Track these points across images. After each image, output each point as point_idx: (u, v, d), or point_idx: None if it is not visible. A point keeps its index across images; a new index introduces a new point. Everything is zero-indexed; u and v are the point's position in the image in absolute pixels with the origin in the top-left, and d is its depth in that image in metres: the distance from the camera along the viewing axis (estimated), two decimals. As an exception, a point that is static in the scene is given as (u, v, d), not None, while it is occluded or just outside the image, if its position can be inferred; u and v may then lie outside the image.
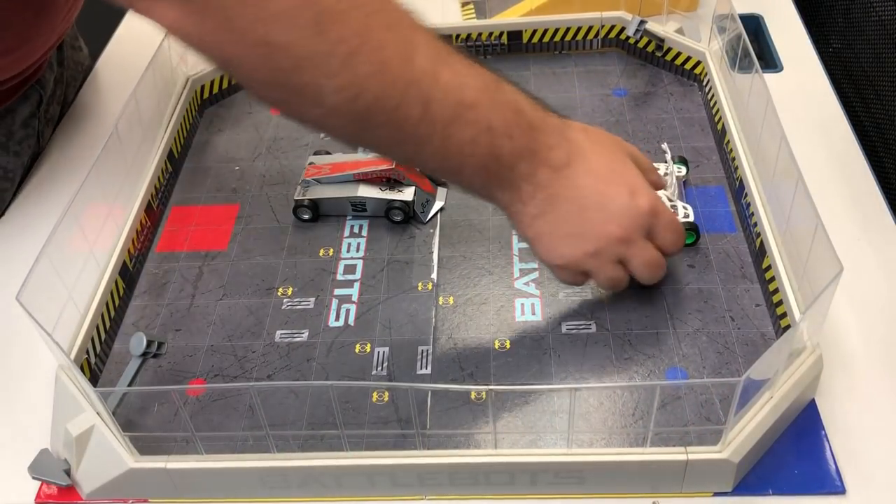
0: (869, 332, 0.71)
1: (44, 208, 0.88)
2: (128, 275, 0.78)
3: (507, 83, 0.64)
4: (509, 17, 1.03)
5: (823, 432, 0.64)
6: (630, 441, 0.64)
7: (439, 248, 0.80)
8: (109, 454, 0.61)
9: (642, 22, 0.94)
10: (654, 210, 0.66)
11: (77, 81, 1.04)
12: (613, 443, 0.64)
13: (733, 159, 0.82)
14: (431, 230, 0.81)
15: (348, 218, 0.83)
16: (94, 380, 0.70)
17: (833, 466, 0.62)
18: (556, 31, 1.00)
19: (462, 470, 0.60)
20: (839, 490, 0.61)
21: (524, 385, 0.68)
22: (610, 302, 0.73)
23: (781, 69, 0.98)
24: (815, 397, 0.66)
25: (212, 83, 0.98)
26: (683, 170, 0.82)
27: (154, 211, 0.84)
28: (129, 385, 0.66)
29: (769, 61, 1.00)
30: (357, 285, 0.77)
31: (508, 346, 0.71)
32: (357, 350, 0.71)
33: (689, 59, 0.95)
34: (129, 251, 0.78)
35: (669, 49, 0.96)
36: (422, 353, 0.71)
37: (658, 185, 0.72)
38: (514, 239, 0.80)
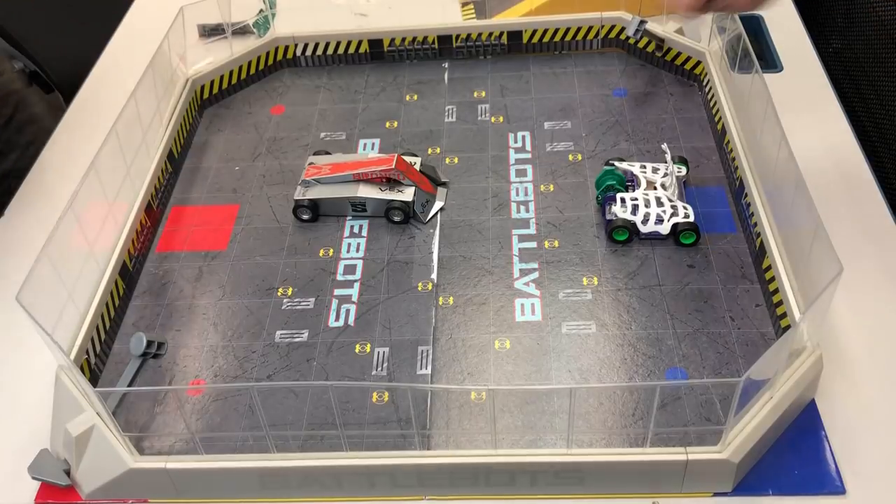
0: (869, 331, 0.71)
1: (44, 208, 0.88)
2: (128, 275, 0.78)
3: None
4: (509, 17, 1.03)
5: (823, 432, 0.64)
6: (630, 441, 0.64)
7: (439, 249, 0.80)
8: (109, 454, 0.61)
9: (642, 22, 0.94)
10: None
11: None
12: (613, 443, 0.64)
13: (733, 159, 0.82)
14: (431, 230, 0.81)
15: (348, 218, 0.83)
16: (94, 380, 0.70)
17: (833, 466, 0.62)
18: (556, 31, 1.00)
19: (462, 470, 0.60)
20: (839, 490, 0.61)
21: (524, 385, 0.68)
22: (610, 302, 0.73)
23: (781, 69, 0.98)
24: (814, 397, 0.66)
25: (212, 83, 0.98)
26: (683, 170, 0.82)
27: (154, 211, 0.84)
28: (129, 385, 0.66)
29: (769, 61, 1.00)
30: (357, 285, 0.77)
31: (508, 346, 0.71)
32: (357, 350, 0.71)
33: (689, 59, 0.95)
34: (129, 251, 0.78)
35: (669, 49, 0.96)
36: (422, 353, 0.71)
37: None
38: (514, 239, 0.80)
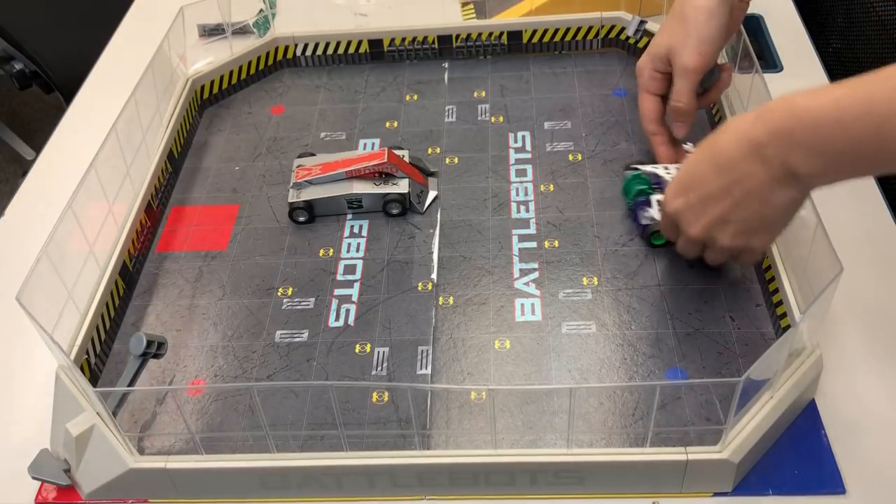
0: (869, 332, 0.71)
1: (44, 208, 0.88)
2: (128, 275, 0.78)
3: None
4: (509, 17, 1.03)
5: (823, 432, 0.64)
6: (630, 441, 0.64)
7: (439, 249, 0.80)
8: (109, 454, 0.61)
9: (642, 22, 0.94)
10: None
11: None
12: (613, 443, 0.64)
13: (733, 159, 0.82)
14: (431, 230, 0.81)
15: (348, 218, 0.83)
16: (93, 380, 0.70)
17: (833, 466, 0.62)
18: (556, 31, 1.00)
19: (462, 470, 0.60)
20: (839, 490, 0.61)
21: (524, 385, 0.68)
22: (610, 301, 0.73)
23: (781, 69, 0.98)
24: (814, 397, 0.66)
25: (211, 83, 0.98)
26: None
27: (154, 211, 0.84)
28: (129, 385, 0.66)
29: (769, 61, 1.00)
30: (357, 285, 0.77)
31: (508, 346, 0.71)
32: (357, 350, 0.71)
33: (689, 59, 0.95)
34: (129, 251, 0.78)
35: (669, 49, 0.96)
36: (421, 353, 0.71)
37: None
38: (514, 239, 0.80)
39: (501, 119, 0.94)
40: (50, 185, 0.92)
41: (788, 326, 0.67)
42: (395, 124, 0.94)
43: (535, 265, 0.77)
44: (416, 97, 0.98)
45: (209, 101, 0.99)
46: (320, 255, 0.80)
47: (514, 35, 1.01)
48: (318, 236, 0.82)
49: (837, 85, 0.57)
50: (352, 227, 0.83)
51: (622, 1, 0.99)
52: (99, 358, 0.71)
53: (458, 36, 1.01)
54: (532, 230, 0.81)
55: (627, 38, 0.98)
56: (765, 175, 0.60)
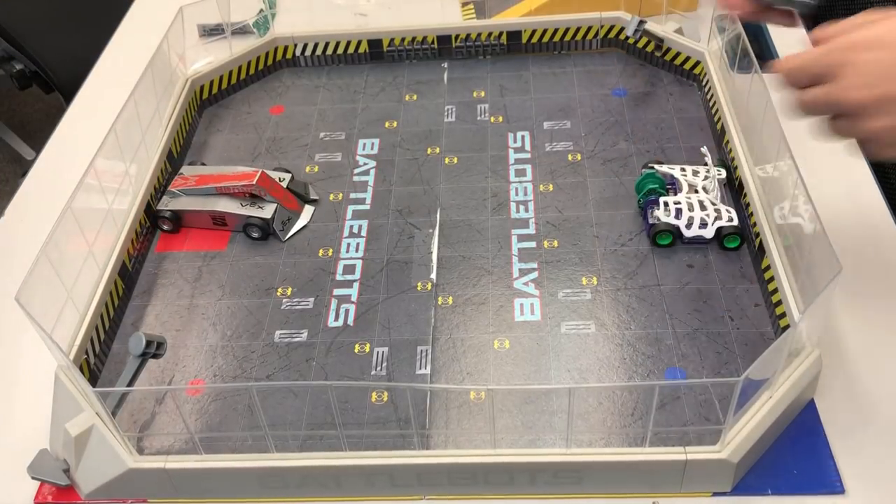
0: (869, 331, 0.71)
1: (44, 208, 0.88)
2: (127, 275, 0.78)
3: None
4: (509, 17, 1.03)
5: (823, 432, 0.64)
6: (629, 441, 0.64)
7: (439, 248, 0.80)
8: (108, 454, 0.61)
9: (642, 22, 0.94)
10: None
11: None
12: (612, 443, 0.64)
13: (733, 159, 0.82)
14: (430, 230, 0.81)
15: (348, 218, 0.83)
16: (93, 380, 0.70)
17: (833, 466, 0.62)
18: (556, 31, 1.00)
19: (461, 470, 0.60)
20: (839, 490, 0.61)
21: (523, 385, 0.68)
22: (609, 301, 0.73)
23: (781, 69, 0.98)
24: (814, 397, 0.66)
25: (211, 83, 0.98)
26: (724, 172, 0.82)
27: (154, 211, 0.84)
28: (129, 385, 0.66)
29: (769, 61, 0.99)
30: (356, 285, 0.77)
31: (508, 346, 0.71)
32: (356, 350, 0.71)
33: (688, 59, 0.95)
34: (128, 251, 0.78)
35: (669, 49, 0.96)
36: (421, 352, 0.71)
37: None
38: (514, 239, 0.80)
39: (501, 119, 0.94)
40: (50, 185, 0.92)
41: (788, 326, 0.67)
42: (395, 124, 0.94)
43: (535, 265, 0.77)
44: (415, 97, 0.98)
45: (209, 101, 0.99)
46: (319, 254, 0.80)
47: (514, 35, 1.01)
48: (318, 236, 0.82)
49: None
50: (351, 227, 0.83)
51: (622, 1, 0.99)
52: (98, 358, 0.72)
53: (457, 36, 1.01)
54: (531, 230, 0.81)
55: (627, 38, 0.98)
56: None
